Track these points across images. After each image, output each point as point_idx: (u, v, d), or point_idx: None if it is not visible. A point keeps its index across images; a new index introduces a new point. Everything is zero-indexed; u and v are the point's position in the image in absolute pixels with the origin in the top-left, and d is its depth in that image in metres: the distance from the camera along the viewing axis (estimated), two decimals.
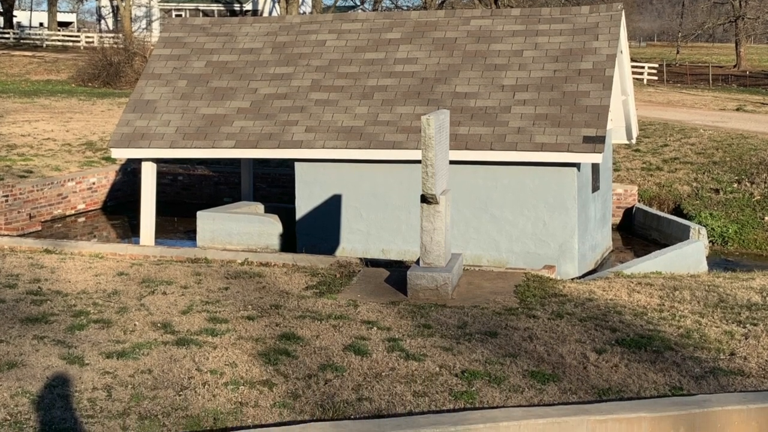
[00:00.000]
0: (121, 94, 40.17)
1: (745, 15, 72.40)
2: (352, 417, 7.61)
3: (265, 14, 71.78)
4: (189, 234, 18.63)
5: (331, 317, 10.24)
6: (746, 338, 9.65)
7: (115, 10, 73.36)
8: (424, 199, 11.23)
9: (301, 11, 66.68)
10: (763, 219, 20.15)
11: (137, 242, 17.50)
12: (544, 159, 15.08)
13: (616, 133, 18.44)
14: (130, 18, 63.05)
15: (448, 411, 7.74)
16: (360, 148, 15.81)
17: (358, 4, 71.09)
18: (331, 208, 16.42)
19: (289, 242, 16.86)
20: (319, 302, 10.92)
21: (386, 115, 16.11)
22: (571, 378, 8.51)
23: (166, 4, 75.56)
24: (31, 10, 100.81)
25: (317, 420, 7.52)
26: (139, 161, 18.18)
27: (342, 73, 16.97)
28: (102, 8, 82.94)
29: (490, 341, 9.46)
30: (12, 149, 24.44)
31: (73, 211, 21.63)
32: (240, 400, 7.89)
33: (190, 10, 74.63)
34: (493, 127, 15.45)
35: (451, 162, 13.58)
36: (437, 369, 8.66)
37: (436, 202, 11.22)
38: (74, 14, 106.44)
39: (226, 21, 19.01)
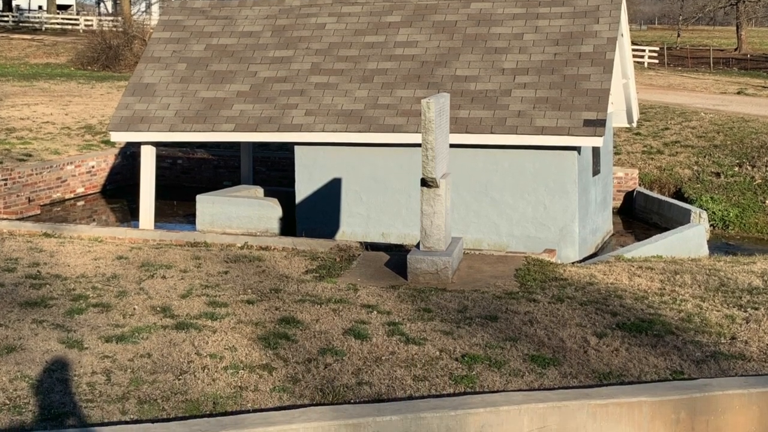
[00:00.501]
0: (120, 78, 40.08)
1: None
2: (352, 401, 7.59)
3: None
4: (188, 218, 18.60)
5: (331, 301, 10.21)
6: (747, 322, 9.63)
7: None
8: (424, 182, 11.19)
9: None
10: (764, 203, 20.12)
11: (136, 226, 17.47)
12: (544, 142, 15.04)
13: (616, 116, 18.38)
14: (130, 1, 62.86)
15: (449, 395, 7.72)
16: (360, 131, 15.76)
17: None
18: (331, 191, 16.39)
19: (288, 226, 16.83)
20: (319, 286, 10.90)
21: (386, 98, 16.06)
22: (571, 362, 8.48)
23: None
24: None
25: (317, 404, 7.50)
26: (138, 145, 18.13)
27: (342, 57, 16.91)
28: None
29: (490, 325, 9.44)
30: (11, 132, 24.39)
31: (72, 195, 21.60)
32: (239, 384, 7.87)
33: None
34: (494, 111, 15.40)
35: (452, 145, 13.53)
36: (437, 353, 8.64)
37: (437, 186, 11.18)
38: None
39: (225, 4, 18.93)
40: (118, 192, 22.24)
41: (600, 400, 7.52)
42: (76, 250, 12.80)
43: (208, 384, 7.84)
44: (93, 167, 22.31)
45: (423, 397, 7.66)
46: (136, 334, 8.97)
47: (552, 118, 15.07)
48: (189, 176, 23.47)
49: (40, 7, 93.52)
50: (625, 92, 18.15)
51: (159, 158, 20.25)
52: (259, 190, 18.65)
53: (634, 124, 19.09)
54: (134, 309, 9.83)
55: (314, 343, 8.86)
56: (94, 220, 19.74)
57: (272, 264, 12.10)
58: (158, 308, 9.87)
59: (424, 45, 16.70)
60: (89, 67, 47.31)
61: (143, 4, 73.53)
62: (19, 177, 20.00)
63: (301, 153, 16.54)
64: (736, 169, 21.67)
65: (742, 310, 10.04)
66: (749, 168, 21.61)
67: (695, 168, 21.93)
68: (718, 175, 21.44)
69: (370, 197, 16.26)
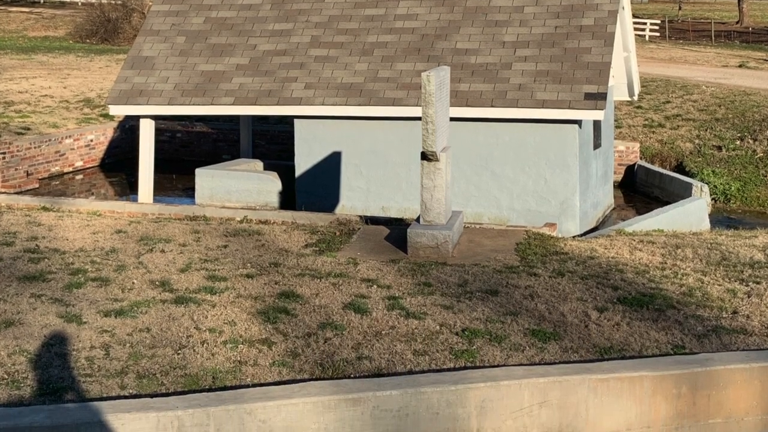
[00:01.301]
0: (119, 51, 39.90)
1: None
2: (352, 376, 7.56)
3: None
4: (187, 191, 18.54)
5: (331, 275, 10.17)
6: (749, 296, 9.59)
7: None
8: (425, 156, 11.13)
9: None
10: (766, 176, 20.05)
11: (135, 200, 17.42)
12: (545, 116, 14.97)
13: (617, 89, 18.30)
14: None
15: (449, 370, 7.69)
16: (360, 104, 15.68)
17: None
18: (331, 165, 16.32)
19: (288, 200, 16.78)
20: (319, 260, 10.85)
21: (386, 71, 15.97)
22: (572, 336, 8.45)
23: None
24: None
25: (317, 379, 7.47)
26: (137, 118, 18.06)
27: (342, 30, 16.80)
28: None
29: (490, 299, 9.40)
30: (9, 106, 24.29)
31: (70, 169, 21.52)
32: (239, 358, 7.84)
33: None
34: (494, 84, 15.31)
35: (452, 119, 13.46)
36: (437, 327, 8.60)
37: (437, 159, 11.12)
38: None
39: None
40: (117, 166, 22.17)
41: (601, 374, 7.49)
42: (75, 224, 12.75)
43: (208, 358, 7.81)
44: (92, 141, 22.22)
45: (423, 372, 7.63)
46: (135, 309, 8.93)
47: (553, 92, 14.99)
48: (188, 150, 23.39)
49: None
50: (626, 65, 18.05)
51: (158, 132, 20.17)
52: (259, 164, 18.58)
53: (636, 98, 19.00)
54: (133, 283, 9.79)
55: (314, 317, 8.83)
56: (92, 193, 19.68)
57: (272, 238, 12.05)
58: (157, 282, 9.83)
59: (425, 18, 16.59)
60: (88, 41, 47.11)
61: None
62: (18, 151, 19.92)
63: (301, 126, 16.47)
64: (738, 142, 21.59)
65: (744, 284, 10.00)
66: (751, 141, 21.53)
67: (697, 141, 21.85)
68: (719, 148, 21.37)
69: (370, 171, 16.20)
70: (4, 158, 19.51)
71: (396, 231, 12.17)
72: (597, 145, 16.88)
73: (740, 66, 37.50)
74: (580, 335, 8.49)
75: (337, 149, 16.27)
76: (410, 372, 7.64)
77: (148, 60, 17.27)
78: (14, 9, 61.76)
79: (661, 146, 21.72)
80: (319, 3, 17.36)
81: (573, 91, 14.91)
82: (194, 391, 7.20)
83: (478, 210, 15.59)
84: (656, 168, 20.11)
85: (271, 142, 22.46)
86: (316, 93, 15.96)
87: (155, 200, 17.08)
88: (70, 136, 21.62)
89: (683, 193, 17.86)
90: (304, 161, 16.52)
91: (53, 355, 7.79)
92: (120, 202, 16.78)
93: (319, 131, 16.33)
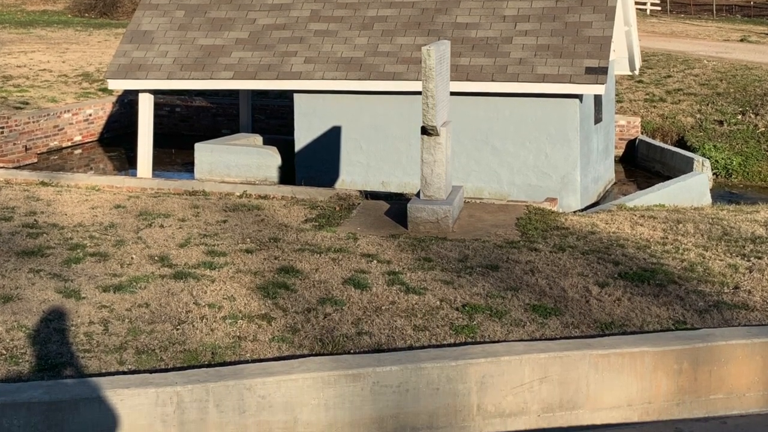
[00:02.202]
0: (118, 25, 39.72)
1: None
2: (352, 351, 7.53)
3: None
4: (187, 166, 18.49)
5: (331, 250, 10.13)
6: (750, 272, 9.55)
7: None
8: (425, 130, 11.07)
9: None
10: None
11: (134, 174, 17.35)
12: (545, 90, 14.89)
13: (618, 64, 18.20)
14: None
15: (449, 345, 7.66)
16: (359, 79, 15.61)
17: None
18: (331, 140, 16.26)
19: (287, 174, 16.72)
20: (319, 235, 10.81)
21: (386, 45, 15.87)
22: (573, 312, 8.41)
23: None
24: None
25: (316, 354, 7.43)
26: (136, 93, 17.97)
27: (341, 3, 16.69)
28: None
29: (491, 275, 9.36)
30: (8, 80, 24.19)
31: (69, 143, 21.45)
32: (238, 334, 7.80)
33: None
34: (495, 58, 15.23)
35: (452, 93, 13.37)
36: (438, 303, 8.57)
37: (437, 134, 11.06)
38: None
39: None
40: (116, 140, 22.09)
41: (602, 350, 7.46)
42: (74, 198, 12.69)
43: (207, 334, 7.78)
44: (90, 115, 22.14)
45: (423, 347, 7.60)
46: (134, 284, 8.89)
47: (553, 66, 14.91)
48: (187, 124, 23.31)
49: None
50: (627, 40, 17.94)
51: (157, 106, 20.10)
52: (258, 139, 18.51)
53: (637, 72, 18.91)
54: (132, 258, 9.74)
55: (313, 292, 8.79)
56: (91, 168, 19.62)
57: (271, 213, 12.00)
58: (156, 258, 9.78)
59: None
60: (87, 15, 46.87)
61: None
62: (16, 125, 19.85)
63: (301, 101, 16.39)
64: (739, 117, 21.50)
65: (746, 259, 9.96)
66: (752, 116, 21.44)
67: (698, 116, 21.76)
68: (721, 123, 21.29)
69: (369, 145, 16.13)
70: (2, 133, 19.44)
71: (396, 206, 12.12)
72: (598, 119, 16.81)
73: (742, 40, 37.35)
74: (581, 310, 8.45)
75: (336, 124, 16.20)
76: (410, 347, 7.61)
77: (147, 34, 17.17)
78: None
79: (663, 121, 21.63)
80: None
81: (574, 66, 14.83)
82: (193, 367, 7.17)
83: (478, 185, 15.54)
84: (657, 143, 20.04)
85: (270, 116, 22.38)
86: (315, 67, 15.87)
87: (154, 175, 17.02)
88: (68, 111, 21.54)
89: (684, 167, 17.80)
90: (303, 136, 16.45)
91: (52, 331, 7.75)
92: (119, 177, 16.72)
93: (319, 106, 16.26)
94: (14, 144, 19.48)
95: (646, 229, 11.18)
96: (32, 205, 12.19)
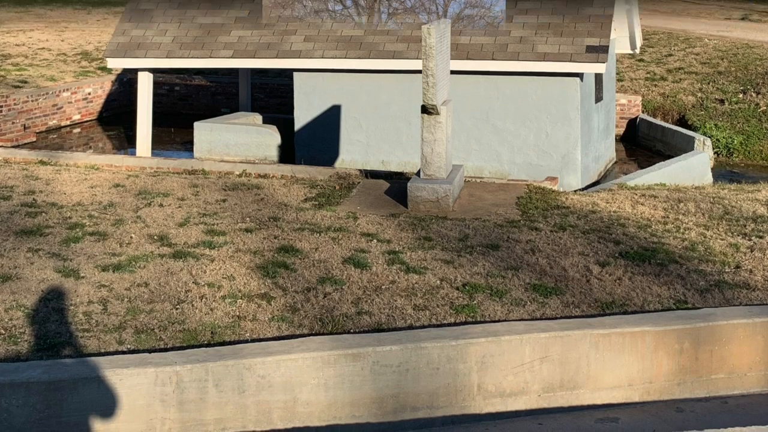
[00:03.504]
0: (117, 3, 39.53)
1: None
2: (352, 331, 7.51)
3: None
4: (186, 145, 18.42)
5: (330, 229, 10.10)
6: (752, 251, 9.51)
7: None
8: (425, 109, 11.02)
9: None
10: None
11: (133, 153, 17.30)
12: (546, 69, 14.82)
13: (619, 42, 18.11)
14: None
15: (449, 325, 7.63)
16: (360, 57, 15.53)
17: None
18: (331, 119, 16.19)
19: (287, 153, 16.67)
20: (318, 214, 10.77)
21: (386, 24, 15.79)
22: (573, 291, 8.39)
23: None
24: None
25: (316, 334, 7.41)
26: (135, 71, 17.90)
27: None
28: None
29: (491, 254, 9.33)
30: (6, 59, 24.09)
31: (68, 122, 21.38)
32: (238, 313, 7.78)
33: None
34: (495, 37, 15.15)
35: (452, 72, 13.30)
36: (438, 282, 8.54)
37: (437, 113, 11.01)
38: None
39: None
40: (115, 119, 22.01)
41: (602, 329, 7.43)
42: (73, 177, 12.65)
43: (206, 313, 7.75)
44: (89, 94, 22.06)
45: (423, 327, 7.57)
46: (133, 263, 8.86)
47: (554, 44, 14.83)
48: (186, 103, 23.22)
49: None
50: (628, 18, 17.84)
51: (156, 85, 20.01)
52: (258, 117, 18.44)
53: (637, 51, 18.80)
54: (131, 238, 9.71)
55: (313, 272, 8.76)
56: (90, 147, 19.56)
57: (271, 192, 11.96)
58: (155, 237, 9.75)
59: None
60: None
61: None
62: (15, 104, 19.77)
63: (300, 80, 16.32)
64: (741, 95, 21.42)
65: (747, 238, 9.92)
66: (754, 95, 21.36)
67: (699, 95, 21.67)
68: (722, 101, 21.21)
69: (369, 124, 16.07)
70: (1, 112, 19.37)
71: (396, 185, 12.08)
72: (599, 98, 16.75)
73: (743, 18, 37.19)
74: (582, 290, 8.42)
75: (336, 103, 16.13)
76: (410, 327, 7.58)
77: (146, 13, 17.08)
78: None
79: (663, 100, 21.55)
80: None
81: (574, 44, 14.76)
82: (193, 347, 7.15)
83: (478, 164, 15.49)
84: (658, 121, 19.96)
85: (270, 95, 22.30)
86: (315, 46, 15.80)
87: (153, 154, 16.97)
88: (67, 90, 21.46)
89: (685, 146, 17.74)
90: (303, 115, 16.39)
91: (50, 310, 7.73)
92: (118, 155, 16.67)
93: (319, 84, 16.19)
94: (13, 123, 19.41)
95: (647, 209, 11.14)
96: (31, 184, 12.14)
